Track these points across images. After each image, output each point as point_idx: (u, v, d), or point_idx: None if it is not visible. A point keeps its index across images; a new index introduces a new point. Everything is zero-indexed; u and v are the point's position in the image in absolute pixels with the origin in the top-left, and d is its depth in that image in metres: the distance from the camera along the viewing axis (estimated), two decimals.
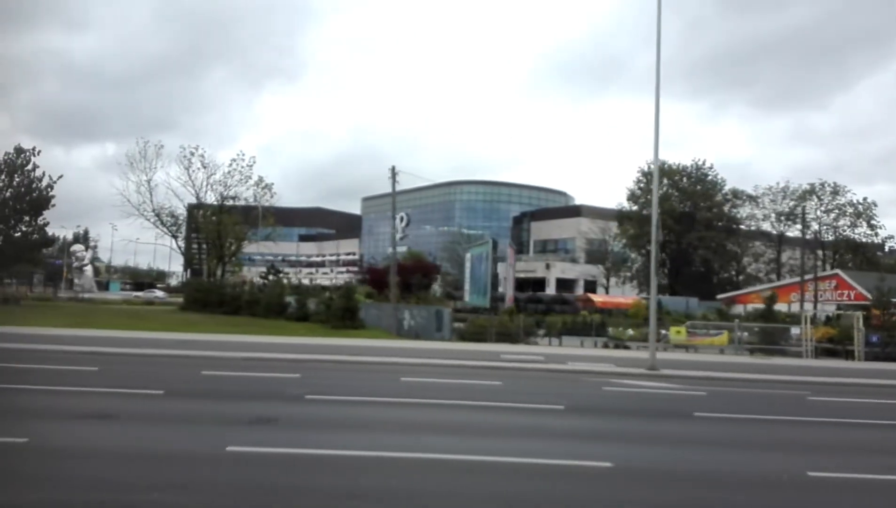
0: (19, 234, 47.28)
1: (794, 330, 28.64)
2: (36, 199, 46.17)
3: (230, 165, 57.88)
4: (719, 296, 52.54)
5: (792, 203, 60.22)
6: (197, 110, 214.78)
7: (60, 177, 48.10)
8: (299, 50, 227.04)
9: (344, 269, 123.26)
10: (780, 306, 47.53)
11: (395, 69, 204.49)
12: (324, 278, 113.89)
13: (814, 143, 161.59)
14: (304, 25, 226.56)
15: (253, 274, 73.37)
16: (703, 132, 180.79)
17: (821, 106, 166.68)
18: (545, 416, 11.43)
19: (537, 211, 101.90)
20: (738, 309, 49.50)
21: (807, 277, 45.50)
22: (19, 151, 46.04)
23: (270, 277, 54.22)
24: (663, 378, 17.68)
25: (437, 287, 47.03)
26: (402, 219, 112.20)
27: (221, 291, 45.05)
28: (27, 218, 47.04)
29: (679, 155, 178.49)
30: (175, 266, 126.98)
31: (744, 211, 62.68)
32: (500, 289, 31.78)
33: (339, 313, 31.32)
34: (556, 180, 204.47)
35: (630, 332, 30.02)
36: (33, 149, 46.54)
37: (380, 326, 34.94)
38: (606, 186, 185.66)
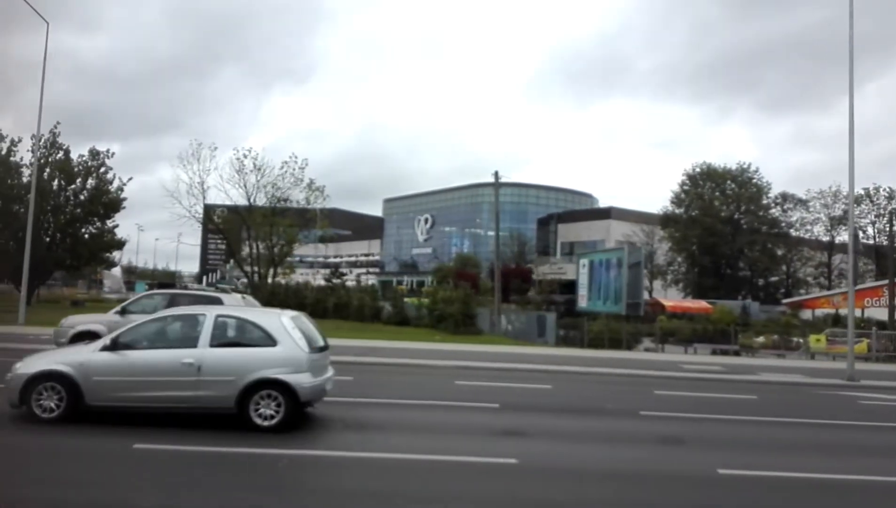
0: (87, 236, 46.72)
1: None
2: (109, 201, 45.71)
3: (282, 167, 57.49)
4: (784, 301, 52.90)
5: (844, 207, 60.70)
6: (205, 111, 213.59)
7: (130, 179, 47.73)
8: (309, 51, 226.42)
9: (364, 270, 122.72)
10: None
11: (403, 71, 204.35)
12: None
13: (818, 146, 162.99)
14: (314, 27, 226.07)
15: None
16: (709, 135, 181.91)
17: (826, 109, 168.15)
18: None
19: (564, 213, 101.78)
20: (806, 314, 49.80)
21: (878, 282, 45.81)
22: (94, 153, 45.55)
23: (335, 280, 53.92)
24: (883, 390, 17.72)
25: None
26: (426, 221, 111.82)
27: (301, 293, 44.77)
28: (95, 219, 46.52)
29: (682, 157, 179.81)
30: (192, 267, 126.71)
31: (795, 215, 63.12)
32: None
33: (459, 318, 31.22)
34: (564, 181, 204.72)
35: (760, 339, 30.08)
36: (107, 151, 46.06)
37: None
38: (617, 186, 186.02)
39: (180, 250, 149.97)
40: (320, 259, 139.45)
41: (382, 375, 16.23)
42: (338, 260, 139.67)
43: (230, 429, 8.70)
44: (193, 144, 64.87)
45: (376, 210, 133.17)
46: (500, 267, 35.50)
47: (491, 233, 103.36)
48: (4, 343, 18.06)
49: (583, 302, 31.90)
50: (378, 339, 26.02)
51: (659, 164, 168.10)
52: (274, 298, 46.78)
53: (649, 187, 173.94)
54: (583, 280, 31.80)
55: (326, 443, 8.67)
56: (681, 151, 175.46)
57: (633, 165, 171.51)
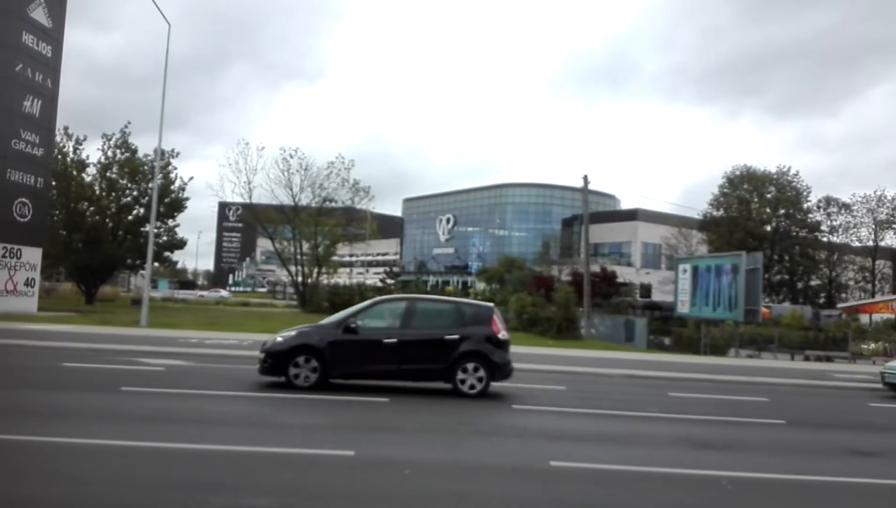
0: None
1: None
2: (172, 201, 45.35)
3: (328, 167, 57.38)
4: (840, 305, 53.09)
5: (889, 211, 61.05)
6: (214, 109, 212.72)
7: (191, 179, 47.37)
8: (320, 52, 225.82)
9: (381, 270, 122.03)
10: None
11: (411, 72, 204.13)
12: (358, 278, 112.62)
13: (822, 148, 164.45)
14: (326, 28, 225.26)
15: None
16: (715, 137, 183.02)
17: (831, 113, 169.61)
18: None
19: (589, 214, 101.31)
20: (864, 319, 49.98)
21: None
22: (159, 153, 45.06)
23: (388, 280, 53.80)
24: None
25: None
26: (448, 221, 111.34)
27: (366, 295, 44.48)
28: (157, 221, 46.11)
29: (687, 159, 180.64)
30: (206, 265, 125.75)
31: (840, 219, 63.42)
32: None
33: (562, 323, 31.09)
34: (566, 181, 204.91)
35: (871, 346, 30.13)
36: (171, 150, 45.72)
37: None
38: (621, 186, 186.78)
39: (189, 248, 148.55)
40: (335, 258, 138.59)
41: (580, 385, 15.86)
42: (352, 259, 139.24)
43: None
44: (241, 143, 64.39)
45: (384, 209, 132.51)
46: (588, 272, 35.37)
47: (515, 233, 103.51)
48: (165, 347, 17.47)
49: (683, 308, 31.82)
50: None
51: (663, 165, 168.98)
52: (337, 298, 46.49)
53: (653, 188, 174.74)
54: (684, 286, 31.70)
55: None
56: (686, 152, 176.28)
57: (637, 166, 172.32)
